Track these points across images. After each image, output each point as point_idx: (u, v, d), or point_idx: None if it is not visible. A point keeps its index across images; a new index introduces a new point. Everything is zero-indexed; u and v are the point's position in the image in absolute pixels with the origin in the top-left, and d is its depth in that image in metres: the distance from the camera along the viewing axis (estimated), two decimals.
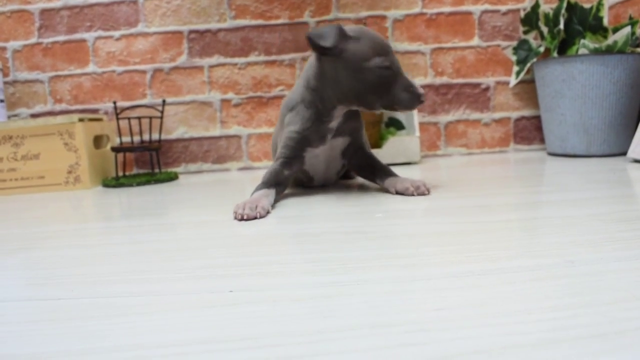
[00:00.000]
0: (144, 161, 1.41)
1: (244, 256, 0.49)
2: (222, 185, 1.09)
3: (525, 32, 1.37)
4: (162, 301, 0.38)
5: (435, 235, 0.52)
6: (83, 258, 0.53)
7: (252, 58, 1.37)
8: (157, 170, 1.41)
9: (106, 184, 1.25)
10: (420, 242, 0.50)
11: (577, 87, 1.15)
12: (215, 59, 1.38)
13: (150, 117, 1.26)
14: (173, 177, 1.29)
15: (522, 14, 1.36)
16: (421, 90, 0.76)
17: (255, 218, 0.69)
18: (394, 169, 1.17)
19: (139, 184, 1.23)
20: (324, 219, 0.65)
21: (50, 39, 1.40)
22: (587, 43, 1.15)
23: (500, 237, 0.50)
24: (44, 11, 1.39)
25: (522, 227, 0.54)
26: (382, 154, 1.25)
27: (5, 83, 1.40)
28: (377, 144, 1.29)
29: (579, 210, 0.60)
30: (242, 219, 0.69)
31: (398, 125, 1.36)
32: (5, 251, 0.58)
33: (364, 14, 1.37)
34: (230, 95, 1.38)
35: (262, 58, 1.37)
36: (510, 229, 0.53)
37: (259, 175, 1.25)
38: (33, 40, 1.40)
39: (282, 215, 0.69)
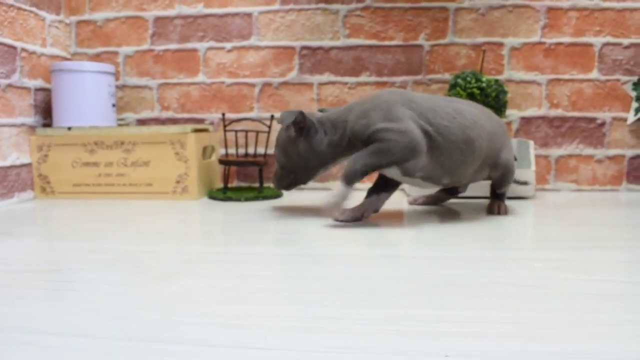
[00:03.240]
0: (246, 174, 1.40)
1: (422, 306, 0.46)
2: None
3: None
4: None
5: (626, 299, 0.48)
6: (240, 292, 0.50)
7: (363, 78, 1.35)
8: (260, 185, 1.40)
9: (213, 196, 1.24)
10: (617, 306, 0.46)
11: None
12: (325, 77, 1.36)
13: (257, 132, 1.25)
14: (278, 194, 1.27)
15: None
16: None
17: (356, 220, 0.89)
18: (508, 203, 1.13)
19: (247, 199, 1.22)
20: (479, 263, 0.61)
21: (162, 47, 1.40)
22: None
23: None
24: (158, 19, 1.40)
25: None
26: None
27: (115, 87, 1.42)
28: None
29: None
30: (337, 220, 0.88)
31: None
32: (146, 275, 0.56)
33: (480, 40, 1.34)
34: None
35: (373, 79, 1.35)
36: None
37: (361, 196, 1.22)
38: (145, 46, 1.41)
39: (424, 255, 0.65)
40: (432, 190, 1.19)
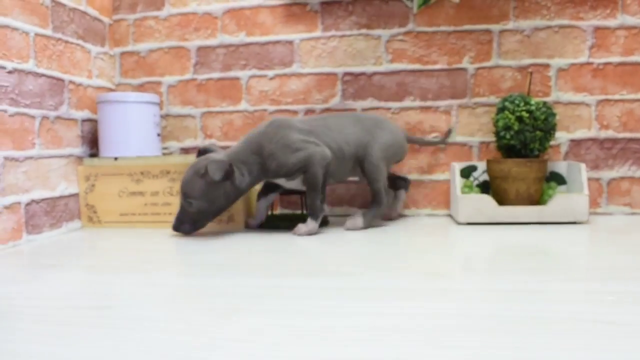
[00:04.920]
0: (289, 201, 1.40)
1: (498, 347, 0.43)
2: (381, 232, 1.04)
3: None
4: None
5: None
6: (306, 330, 0.47)
7: (407, 103, 1.34)
8: (304, 212, 1.39)
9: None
10: None
11: None
12: (368, 102, 1.35)
13: None
14: (325, 221, 1.25)
15: None
16: None
17: None
18: (561, 228, 1.09)
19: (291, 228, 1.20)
20: (545, 296, 0.57)
21: (205, 76, 1.41)
22: None
23: None
24: (200, 48, 1.41)
25: None
26: (547, 212, 1.17)
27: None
28: (540, 200, 1.22)
29: None
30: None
31: (559, 180, 1.28)
32: (206, 312, 0.54)
33: (526, 61, 1.31)
34: None
35: (417, 103, 1.34)
36: None
37: (407, 224, 1.20)
38: (188, 76, 1.42)
39: (482, 288, 0.62)
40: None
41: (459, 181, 1.21)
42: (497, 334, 0.51)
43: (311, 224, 1.08)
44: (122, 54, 1.46)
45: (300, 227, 1.09)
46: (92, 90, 1.38)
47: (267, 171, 1.08)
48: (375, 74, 1.35)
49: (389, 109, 1.34)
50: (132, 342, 0.50)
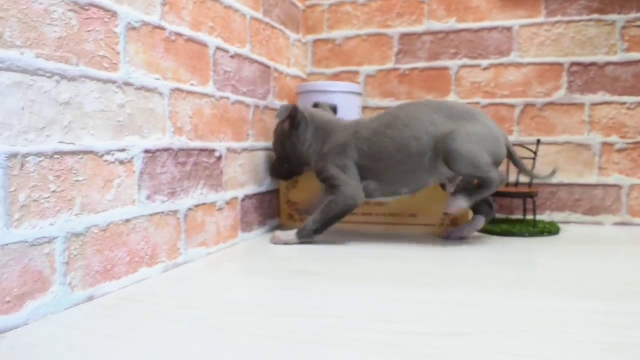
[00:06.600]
0: (502, 205, 1.27)
1: None
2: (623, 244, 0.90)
3: None
4: None
5: None
6: None
7: None
8: (528, 218, 1.27)
9: (482, 230, 1.12)
10: None
11: None
12: (599, 96, 1.21)
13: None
14: (557, 230, 1.12)
15: None
16: None
17: None
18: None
19: (531, 235, 1.08)
20: None
21: (409, 65, 1.31)
22: None
23: None
24: (404, 36, 1.31)
25: None
26: None
27: None
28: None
29: None
30: None
31: None
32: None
33: None
34: (614, 138, 1.20)
35: None
36: None
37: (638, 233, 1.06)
38: (389, 65, 1.32)
39: None
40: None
41: None
42: None
43: (292, 236, 1.01)
44: (315, 41, 1.38)
45: (280, 234, 1.02)
46: (290, 80, 1.31)
47: (318, 149, 1.04)
48: (608, 64, 1.20)
49: (624, 103, 1.20)
50: None
